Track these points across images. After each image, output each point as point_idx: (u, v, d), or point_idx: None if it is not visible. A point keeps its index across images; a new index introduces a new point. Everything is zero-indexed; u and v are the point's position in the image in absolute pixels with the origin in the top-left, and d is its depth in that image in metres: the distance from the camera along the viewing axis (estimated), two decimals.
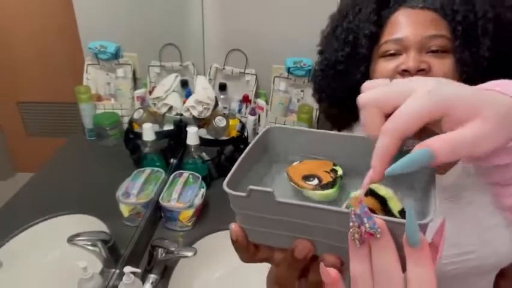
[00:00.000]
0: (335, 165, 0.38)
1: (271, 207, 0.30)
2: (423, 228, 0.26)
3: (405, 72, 0.55)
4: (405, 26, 0.56)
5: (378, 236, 0.25)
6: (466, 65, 0.54)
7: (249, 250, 0.33)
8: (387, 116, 0.28)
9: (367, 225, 0.25)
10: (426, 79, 0.29)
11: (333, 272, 0.29)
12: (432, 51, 0.55)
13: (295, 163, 0.39)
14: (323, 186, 0.35)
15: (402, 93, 0.27)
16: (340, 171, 0.37)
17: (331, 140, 0.38)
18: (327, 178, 0.36)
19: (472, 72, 0.54)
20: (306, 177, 0.36)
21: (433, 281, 0.24)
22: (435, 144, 0.25)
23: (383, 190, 0.33)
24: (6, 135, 1.00)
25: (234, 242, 0.32)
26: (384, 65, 0.58)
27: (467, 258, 0.60)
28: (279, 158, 0.41)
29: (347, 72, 0.64)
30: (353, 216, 0.26)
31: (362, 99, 0.31)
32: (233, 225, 0.33)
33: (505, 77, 0.51)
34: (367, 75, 0.63)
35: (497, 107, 0.27)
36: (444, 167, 0.60)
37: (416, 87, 0.27)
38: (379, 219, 0.26)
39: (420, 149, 0.25)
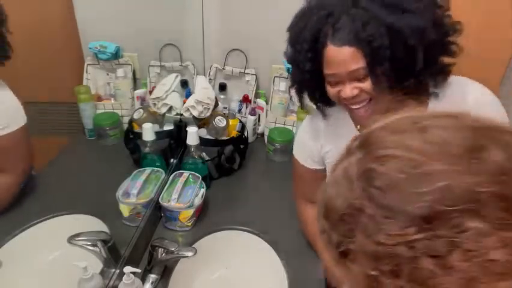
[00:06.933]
0: None
1: None
2: None
3: (345, 99, 0.75)
4: (335, 64, 0.72)
5: None
6: (378, 84, 0.71)
7: None
8: None
9: None
10: None
11: None
12: (358, 79, 0.72)
13: None
14: None
15: None
16: None
17: None
18: None
19: (385, 87, 0.71)
20: None
21: None
22: None
23: None
24: None
25: None
26: (331, 90, 0.76)
27: None
28: None
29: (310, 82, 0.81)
30: None
31: None
32: None
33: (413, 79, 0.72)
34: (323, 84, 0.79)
35: None
36: None
37: None
38: None
39: None
